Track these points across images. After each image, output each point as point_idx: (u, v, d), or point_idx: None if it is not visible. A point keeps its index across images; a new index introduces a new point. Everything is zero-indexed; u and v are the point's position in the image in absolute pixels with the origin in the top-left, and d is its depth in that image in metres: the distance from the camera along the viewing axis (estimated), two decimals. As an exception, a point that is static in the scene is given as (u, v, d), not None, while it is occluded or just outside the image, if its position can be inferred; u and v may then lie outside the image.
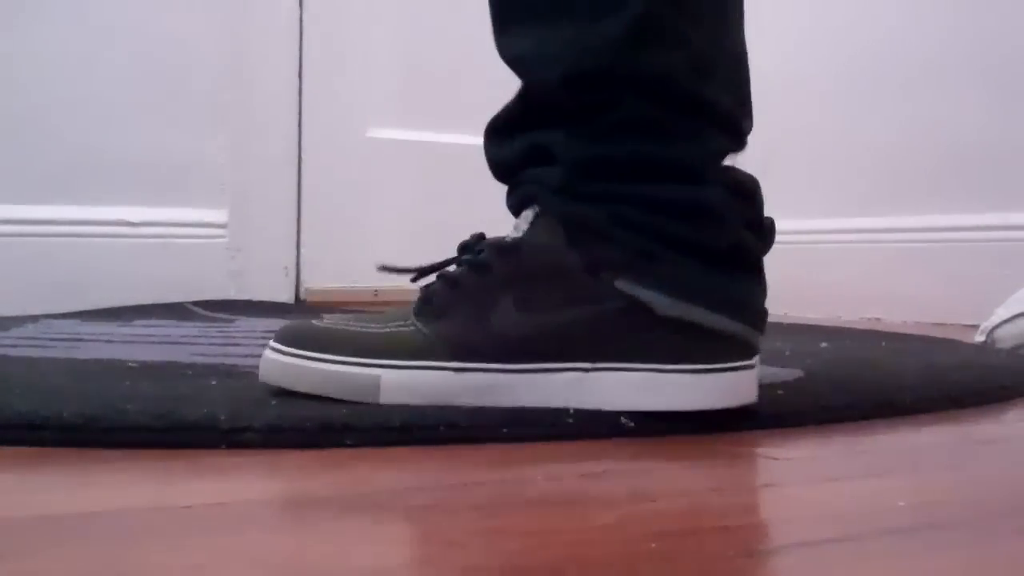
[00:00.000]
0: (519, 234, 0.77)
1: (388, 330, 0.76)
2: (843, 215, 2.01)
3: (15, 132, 1.77)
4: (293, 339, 0.76)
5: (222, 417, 0.67)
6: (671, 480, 0.62)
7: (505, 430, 0.70)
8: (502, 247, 0.77)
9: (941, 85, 1.86)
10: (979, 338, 1.29)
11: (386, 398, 0.74)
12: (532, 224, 0.77)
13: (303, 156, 2.09)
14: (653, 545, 0.47)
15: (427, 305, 0.76)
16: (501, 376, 0.74)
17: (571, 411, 0.72)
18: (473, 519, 0.50)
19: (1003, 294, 1.31)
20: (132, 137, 1.86)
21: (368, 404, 0.73)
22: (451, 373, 0.74)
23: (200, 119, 1.93)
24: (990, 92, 1.79)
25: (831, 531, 0.50)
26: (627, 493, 0.59)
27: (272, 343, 0.77)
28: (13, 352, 1.07)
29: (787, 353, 1.12)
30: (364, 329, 0.76)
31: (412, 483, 0.59)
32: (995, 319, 1.27)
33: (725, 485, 0.62)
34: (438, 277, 0.78)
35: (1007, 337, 1.25)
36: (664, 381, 0.73)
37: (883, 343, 1.31)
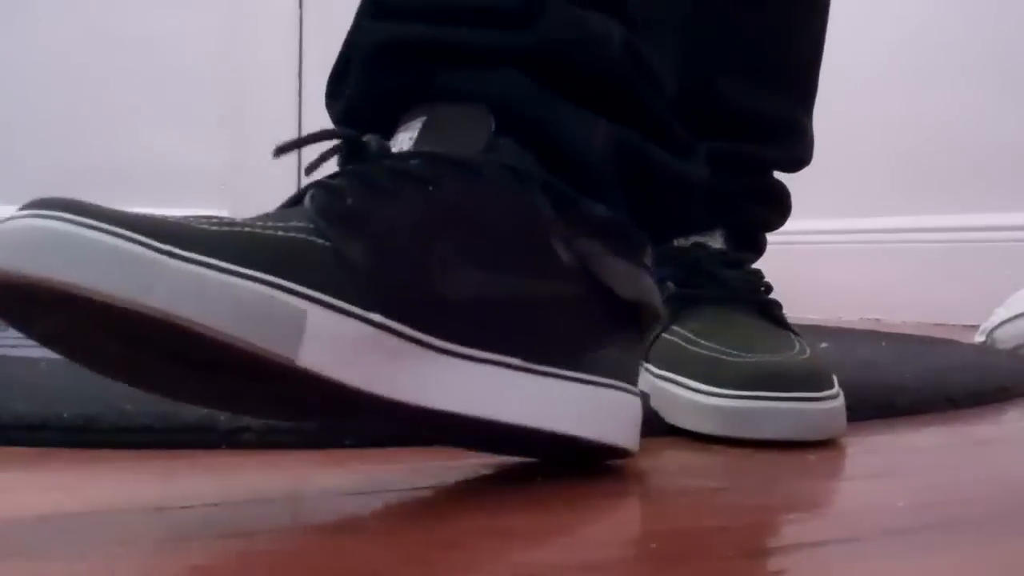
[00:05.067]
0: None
1: (291, 236, 0.47)
2: (844, 215, 2.01)
3: (16, 133, 1.76)
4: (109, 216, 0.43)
5: (222, 417, 0.67)
6: (672, 480, 0.62)
7: (505, 430, 0.70)
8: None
9: (943, 86, 1.86)
10: (979, 338, 1.29)
11: (308, 356, 0.44)
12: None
13: (303, 156, 2.09)
14: (653, 545, 0.47)
15: (340, 204, 0.49)
16: (427, 353, 0.49)
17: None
18: (473, 519, 0.50)
19: (1003, 294, 1.31)
20: (132, 138, 1.86)
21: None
22: (370, 329, 0.46)
23: (200, 119, 1.93)
24: (991, 93, 1.79)
25: (831, 531, 0.50)
26: (627, 493, 0.59)
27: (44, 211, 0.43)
28: (13, 352, 1.06)
29: (787, 353, 1.12)
30: (256, 229, 0.47)
31: (412, 483, 0.59)
32: (995, 319, 1.27)
33: (725, 485, 0.62)
34: (342, 176, 0.53)
35: (1007, 337, 1.25)
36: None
37: (883, 343, 1.31)
